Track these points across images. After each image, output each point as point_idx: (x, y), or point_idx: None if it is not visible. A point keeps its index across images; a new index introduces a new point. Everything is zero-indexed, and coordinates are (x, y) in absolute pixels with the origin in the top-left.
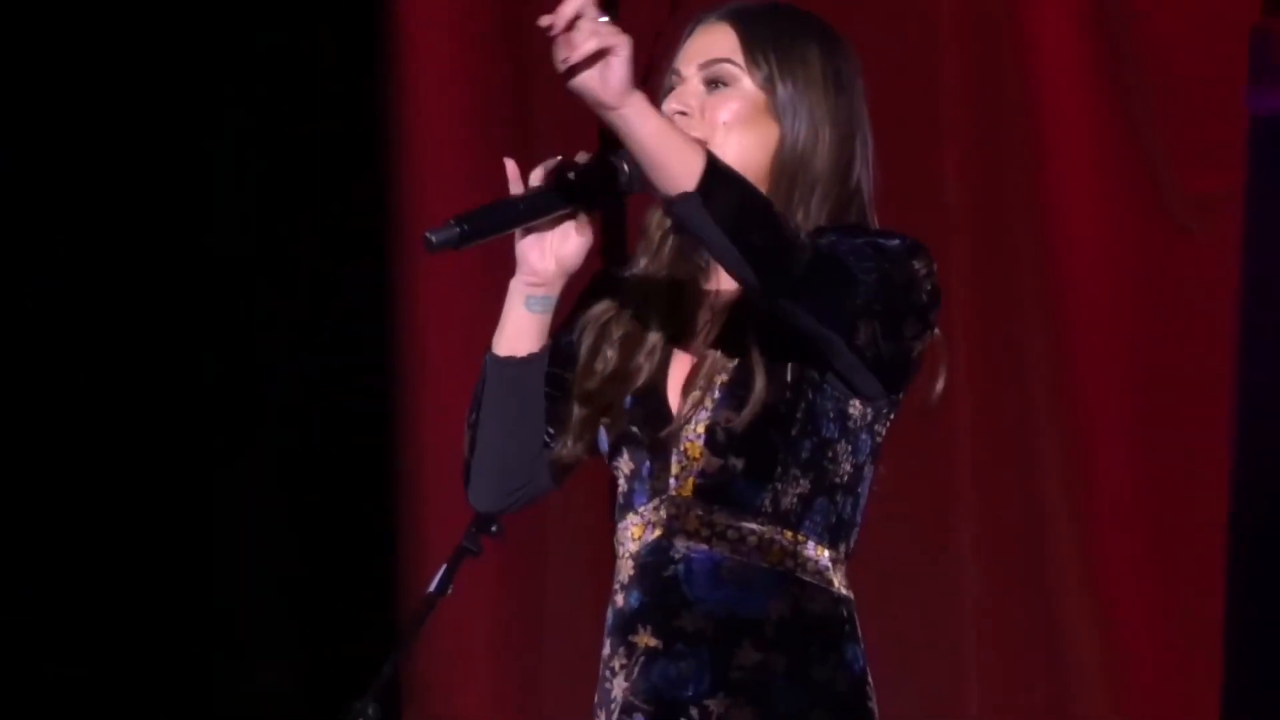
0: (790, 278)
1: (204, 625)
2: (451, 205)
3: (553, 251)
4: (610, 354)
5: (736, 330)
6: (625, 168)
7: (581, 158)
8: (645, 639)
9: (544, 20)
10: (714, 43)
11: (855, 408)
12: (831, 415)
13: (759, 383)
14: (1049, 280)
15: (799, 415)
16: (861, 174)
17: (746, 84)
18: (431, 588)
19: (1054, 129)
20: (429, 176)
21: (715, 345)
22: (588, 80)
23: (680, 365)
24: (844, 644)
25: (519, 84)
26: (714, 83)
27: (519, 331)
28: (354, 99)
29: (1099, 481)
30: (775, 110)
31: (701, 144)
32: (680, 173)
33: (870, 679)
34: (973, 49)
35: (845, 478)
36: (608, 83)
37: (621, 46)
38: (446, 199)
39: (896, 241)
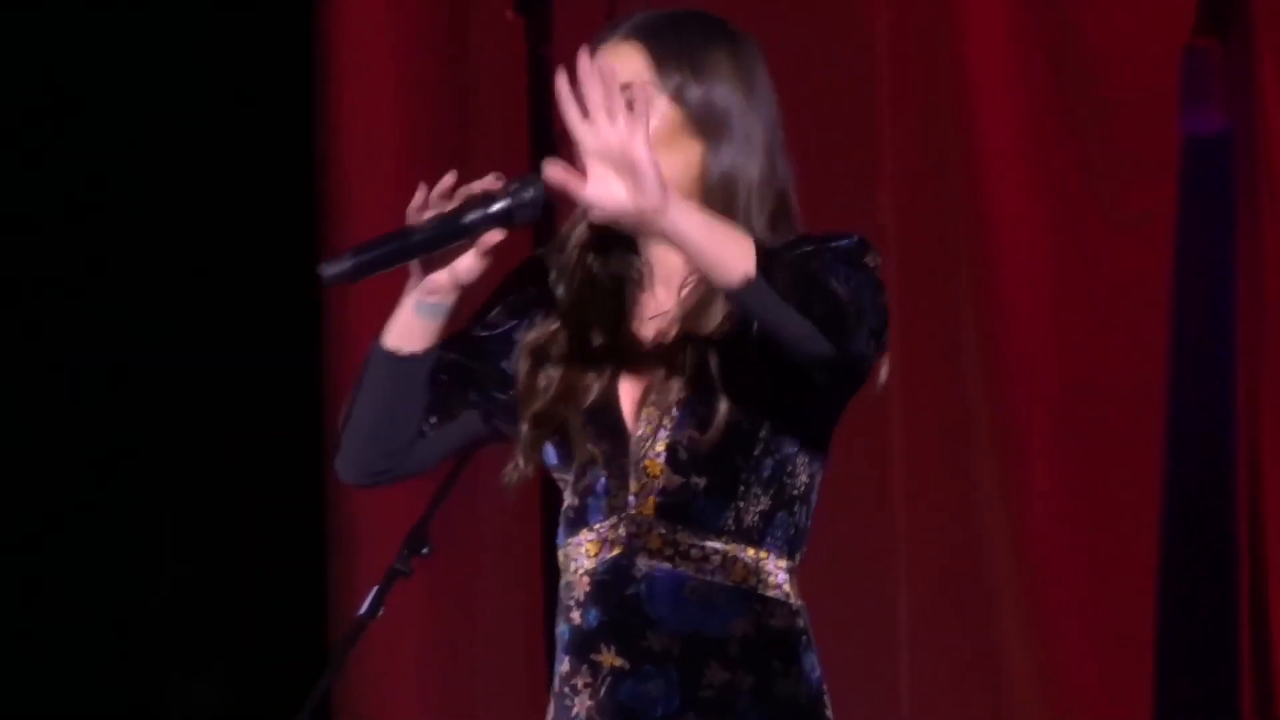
0: (852, 335)
1: (135, 646)
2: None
3: (449, 264)
4: (554, 373)
5: (690, 346)
6: (525, 195)
7: (485, 184)
8: (610, 659)
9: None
10: (622, 64)
11: (811, 415)
12: (791, 429)
13: (723, 403)
14: (983, 292)
15: (762, 435)
16: (784, 170)
17: (661, 103)
18: (362, 609)
19: (990, 145)
20: (359, 201)
21: (668, 361)
22: (622, 200)
23: (631, 382)
24: (803, 655)
25: (456, 109)
26: (630, 106)
27: (406, 330)
28: (284, 124)
29: (1032, 493)
30: (694, 125)
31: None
32: (736, 257)
33: (825, 685)
34: (909, 64)
35: (802, 488)
36: (645, 191)
37: (643, 145)
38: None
39: (852, 243)
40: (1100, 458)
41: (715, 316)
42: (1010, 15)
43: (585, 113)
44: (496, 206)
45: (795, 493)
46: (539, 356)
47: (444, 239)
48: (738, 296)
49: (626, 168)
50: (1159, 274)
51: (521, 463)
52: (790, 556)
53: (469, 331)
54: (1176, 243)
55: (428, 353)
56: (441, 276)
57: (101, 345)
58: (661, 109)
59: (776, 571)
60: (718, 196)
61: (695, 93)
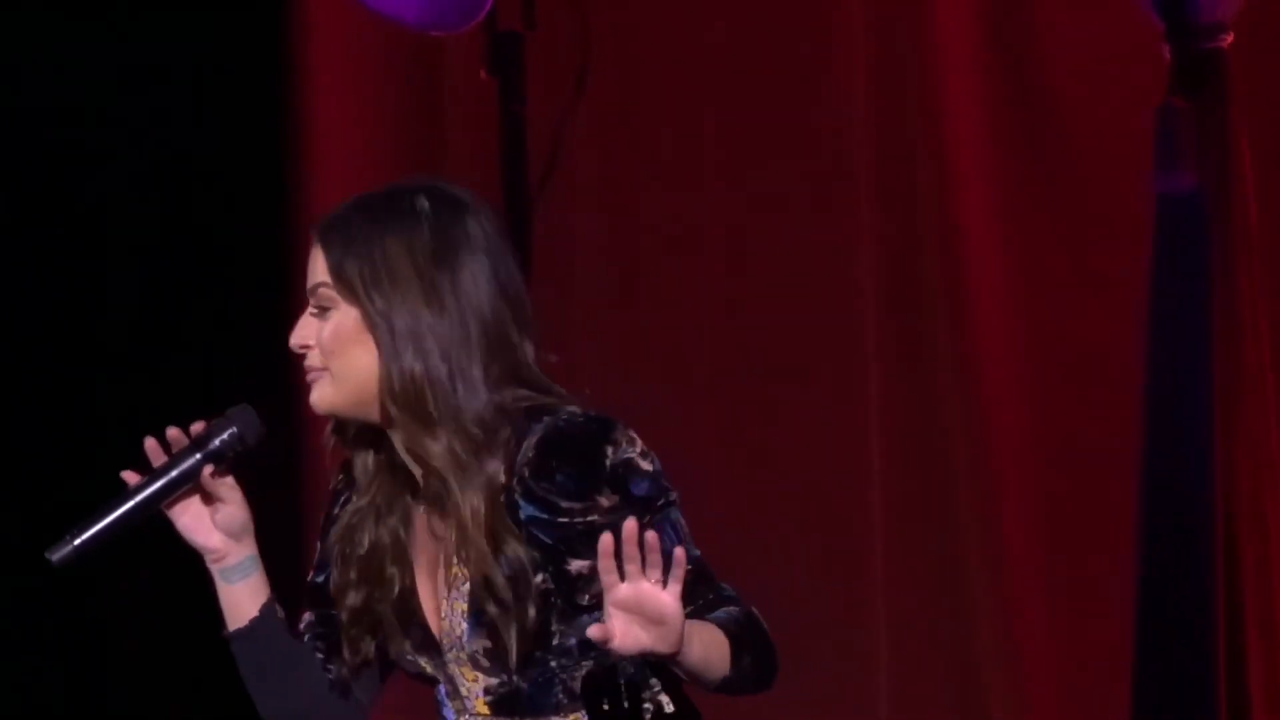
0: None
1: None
2: None
3: (212, 525)
4: (358, 566)
5: (466, 552)
6: (230, 429)
7: (183, 433)
8: None
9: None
10: (314, 266)
11: (588, 570)
12: (582, 594)
13: (501, 610)
14: (959, 350)
15: (554, 627)
16: (504, 334)
17: (343, 306)
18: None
19: (964, 204)
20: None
21: (447, 570)
22: (646, 644)
23: (425, 585)
24: None
25: (429, 168)
26: (322, 308)
27: (235, 605)
28: (256, 183)
29: (1009, 547)
30: (370, 329)
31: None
32: (720, 663)
33: None
34: (886, 125)
35: None
36: (669, 640)
37: (678, 607)
38: None
39: (650, 472)
40: (1075, 518)
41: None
42: (983, 74)
43: (623, 572)
44: (207, 449)
45: None
46: (346, 553)
47: (161, 492)
48: (723, 690)
49: (655, 621)
50: (1132, 332)
51: (348, 656)
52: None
53: (314, 584)
54: (1150, 301)
55: (269, 604)
56: (214, 539)
57: (74, 359)
58: (344, 312)
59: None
60: (402, 402)
61: (361, 295)
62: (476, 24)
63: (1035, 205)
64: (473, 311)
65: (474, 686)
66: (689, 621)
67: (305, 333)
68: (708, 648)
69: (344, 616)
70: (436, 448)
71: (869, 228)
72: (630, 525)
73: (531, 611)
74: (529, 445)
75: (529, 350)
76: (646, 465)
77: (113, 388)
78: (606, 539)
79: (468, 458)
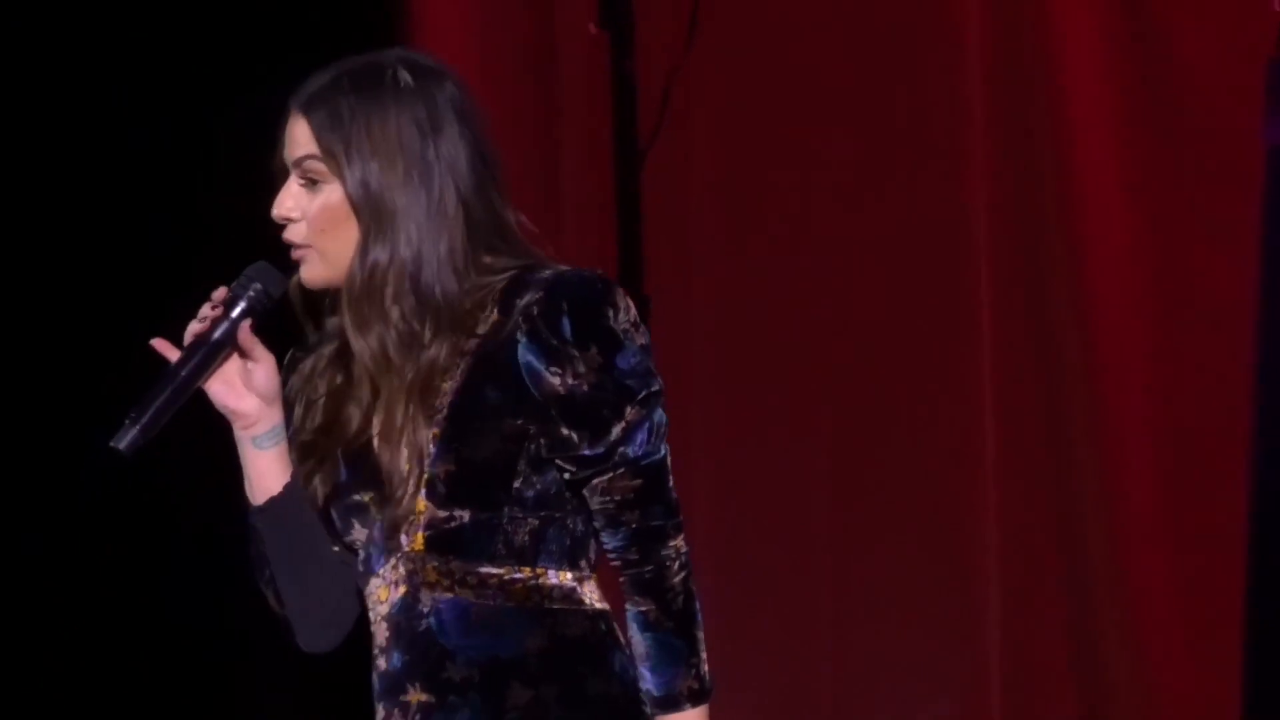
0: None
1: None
2: None
3: (246, 388)
4: (319, 407)
5: (445, 381)
6: (255, 287)
7: (213, 301)
8: (417, 695)
9: None
10: (296, 137)
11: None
12: (560, 459)
13: (474, 439)
14: (1077, 299)
15: (520, 467)
16: (485, 206)
17: (331, 180)
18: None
19: (1083, 152)
20: None
21: (422, 396)
22: None
23: (389, 417)
24: (610, 656)
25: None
26: (310, 181)
27: (262, 475)
28: None
29: (1127, 493)
30: (353, 206)
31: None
32: None
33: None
34: (1003, 78)
35: (573, 502)
36: None
37: None
38: None
39: (633, 367)
40: (1190, 462)
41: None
42: (1103, 29)
43: None
44: (237, 309)
45: (568, 507)
46: (308, 390)
47: (207, 357)
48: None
49: None
50: (1244, 284)
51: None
52: (573, 566)
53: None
54: (1261, 254)
55: (293, 481)
56: (248, 403)
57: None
58: (332, 186)
59: (560, 583)
60: (374, 280)
61: (345, 169)
62: None
63: (1152, 157)
64: (457, 182)
65: (417, 519)
66: None
67: (290, 204)
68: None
69: (294, 455)
70: (365, 345)
71: (984, 191)
72: None
73: (505, 448)
74: (536, 290)
75: (511, 215)
76: (640, 339)
77: None
78: None
79: (398, 357)
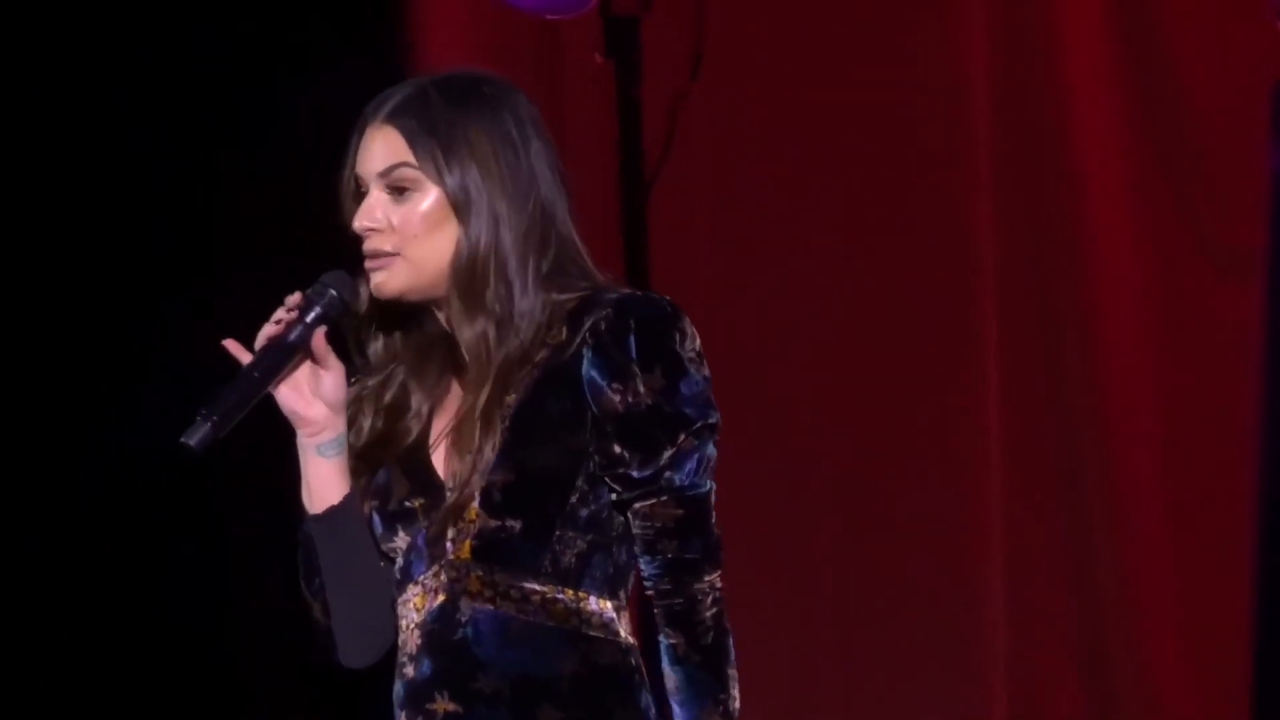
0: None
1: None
2: None
3: (314, 395)
4: (377, 420)
5: (509, 394)
6: (331, 294)
7: (289, 305)
8: (444, 705)
9: None
10: (384, 148)
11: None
12: (609, 478)
13: (535, 449)
14: (1084, 307)
15: (579, 484)
16: (563, 224)
17: (428, 185)
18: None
19: (1089, 185)
20: None
21: (486, 409)
22: None
23: (447, 429)
24: (636, 693)
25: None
26: (397, 190)
27: (324, 481)
28: None
29: (1133, 502)
30: (452, 207)
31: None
32: None
33: None
34: (1007, 94)
35: (621, 528)
36: None
37: None
38: None
39: (695, 392)
40: (1197, 473)
41: (527, 379)
42: (1108, 52)
43: None
44: (312, 314)
45: (614, 533)
46: (366, 402)
47: (279, 361)
48: None
49: None
50: (1253, 308)
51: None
52: (614, 595)
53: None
54: (1268, 276)
55: (354, 490)
56: (316, 410)
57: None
58: (429, 191)
59: (600, 611)
60: (463, 277)
61: (445, 173)
62: (592, 8)
63: (1159, 185)
64: (540, 199)
65: (467, 527)
66: None
67: (376, 214)
68: None
69: (351, 462)
70: (471, 333)
71: (989, 211)
72: None
73: (565, 463)
74: (604, 308)
75: (578, 241)
76: (704, 371)
77: None
78: None
79: (495, 346)
